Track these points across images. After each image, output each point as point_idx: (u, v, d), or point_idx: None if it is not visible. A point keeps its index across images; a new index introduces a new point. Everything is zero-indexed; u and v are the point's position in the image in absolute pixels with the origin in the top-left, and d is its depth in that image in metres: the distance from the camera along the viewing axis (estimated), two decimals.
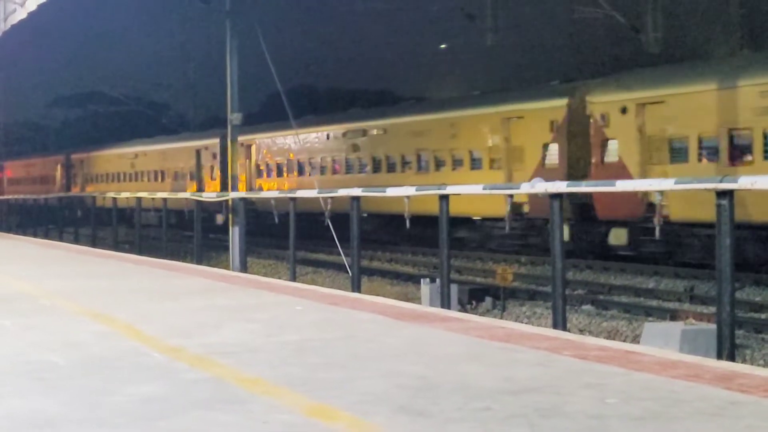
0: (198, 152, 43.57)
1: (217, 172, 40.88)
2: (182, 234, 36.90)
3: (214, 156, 41.30)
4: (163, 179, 46.88)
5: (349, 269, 14.21)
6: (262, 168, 39.77)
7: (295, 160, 37.94)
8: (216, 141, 41.25)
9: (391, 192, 13.69)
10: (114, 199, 27.47)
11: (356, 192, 13.62)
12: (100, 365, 6.38)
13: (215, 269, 16.89)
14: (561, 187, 9.33)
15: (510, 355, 6.59)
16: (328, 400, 5.17)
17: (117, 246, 25.56)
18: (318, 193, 16.15)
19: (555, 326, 9.04)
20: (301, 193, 16.22)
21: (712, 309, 13.55)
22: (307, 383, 5.64)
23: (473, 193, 12.07)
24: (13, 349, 7.12)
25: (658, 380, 5.62)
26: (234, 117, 24.64)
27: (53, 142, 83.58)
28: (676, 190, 8.74)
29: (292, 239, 15.27)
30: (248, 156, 39.60)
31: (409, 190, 12.82)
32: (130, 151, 52.03)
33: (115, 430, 4.60)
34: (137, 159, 50.52)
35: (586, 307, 19.21)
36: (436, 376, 5.80)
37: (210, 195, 23.22)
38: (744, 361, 13.54)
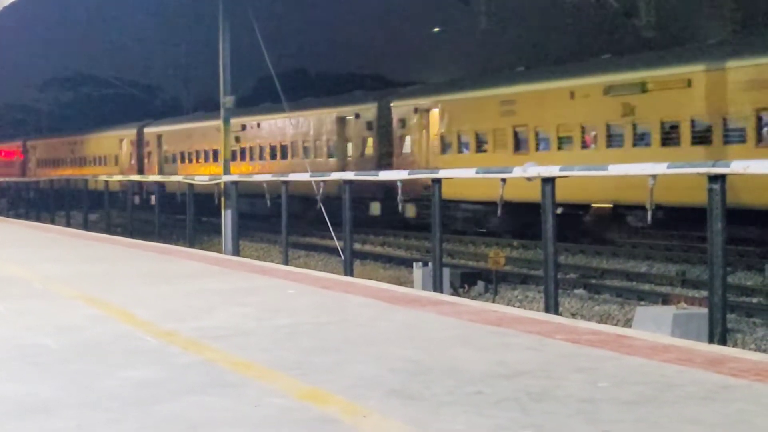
0: (342, 120, 35.75)
1: (370, 143, 34.12)
2: (175, 218, 36.84)
3: (369, 126, 33.97)
4: (286, 155, 38.46)
5: (341, 253, 14.23)
6: (449, 141, 30.38)
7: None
8: (371, 107, 34.14)
9: (384, 175, 13.70)
10: (106, 182, 27.43)
11: (348, 176, 13.62)
12: (94, 349, 6.39)
13: (208, 252, 16.88)
14: (553, 171, 9.34)
15: (502, 339, 6.61)
16: (321, 383, 5.18)
17: (110, 229, 25.56)
18: (310, 176, 16.15)
19: (547, 310, 9.07)
20: (293, 176, 16.20)
21: (704, 293, 13.59)
22: (300, 367, 5.65)
23: (465, 177, 12.08)
24: (6, 333, 7.12)
25: (650, 364, 5.64)
26: (227, 100, 24.58)
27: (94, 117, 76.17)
28: (669, 174, 8.75)
29: (284, 223, 15.27)
30: (426, 126, 31.36)
31: (402, 174, 12.83)
32: (234, 122, 45.32)
33: (108, 414, 4.61)
34: (244, 132, 42.11)
35: (579, 291, 19.24)
36: (429, 360, 5.81)
37: (202, 179, 23.16)
38: (735, 345, 13.58)
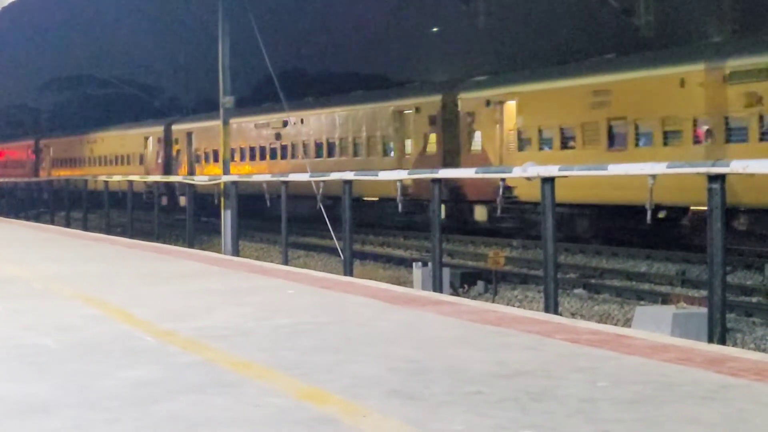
0: (400, 114, 32.41)
1: (432, 139, 30.84)
2: (174, 218, 36.85)
3: (432, 121, 30.79)
4: (333, 153, 35.37)
5: (341, 253, 14.22)
6: (527, 137, 27.62)
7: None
8: (434, 100, 31.06)
9: (384, 176, 13.71)
10: (105, 182, 27.43)
11: (348, 176, 13.62)
12: (93, 349, 6.38)
13: (207, 253, 16.88)
14: (553, 171, 9.34)
15: (502, 339, 6.61)
16: (321, 383, 5.18)
17: (109, 229, 25.55)
18: (310, 176, 16.14)
19: (547, 310, 9.07)
20: (293, 177, 16.20)
21: (704, 293, 13.58)
22: (300, 367, 5.65)
23: (465, 177, 12.08)
24: (5, 332, 7.11)
25: (650, 364, 5.64)
26: (226, 100, 24.58)
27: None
28: (668, 173, 8.74)
29: (284, 223, 15.27)
30: (499, 120, 28.39)
31: (402, 174, 12.83)
32: (275, 118, 39.04)
33: (107, 414, 4.61)
34: (285, 128, 38.21)
35: (578, 290, 19.24)
36: (428, 360, 5.81)
37: (202, 179, 23.15)
38: (735, 344, 13.58)
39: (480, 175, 11.61)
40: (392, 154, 32.28)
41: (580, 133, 25.30)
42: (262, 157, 39.62)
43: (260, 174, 31.80)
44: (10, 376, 5.57)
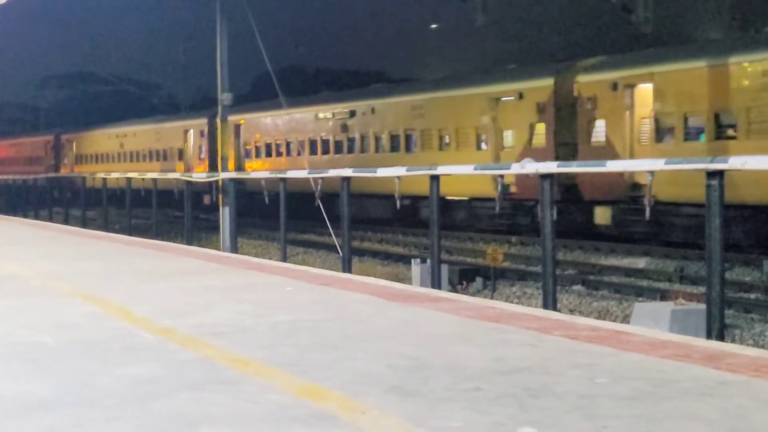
0: (496, 102, 28.35)
1: (540, 129, 26.79)
2: (173, 215, 36.77)
3: (540, 108, 26.76)
4: (412, 146, 31.77)
5: (339, 250, 14.22)
6: (668, 125, 23.68)
7: None
8: (544, 84, 26.98)
9: (382, 172, 13.70)
10: (104, 179, 27.43)
11: (347, 173, 13.62)
12: (92, 347, 6.39)
13: (206, 250, 16.88)
14: (551, 167, 9.34)
15: (500, 336, 6.61)
16: (319, 380, 5.18)
17: (107, 226, 25.54)
18: (308, 173, 16.14)
19: (545, 306, 9.07)
20: (291, 174, 16.20)
21: (702, 289, 13.59)
22: (298, 364, 5.65)
23: (464, 173, 12.08)
24: (3, 330, 7.11)
25: (648, 360, 5.64)
26: (224, 97, 24.58)
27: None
28: (666, 170, 8.75)
29: (283, 220, 15.27)
30: (629, 107, 24.49)
31: (400, 171, 12.82)
32: (339, 108, 35.48)
33: (106, 412, 4.61)
34: (354, 119, 34.38)
35: (577, 287, 19.25)
36: (427, 357, 5.81)
37: (200, 176, 23.16)
38: (733, 340, 13.59)
39: (479, 172, 11.59)
40: (487, 147, 28.29)
41: (744, 120, 21.18)
42: (325, 151, 35.55)
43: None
44: (9, 374, 5.58)
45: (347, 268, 12.90)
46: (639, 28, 30.67)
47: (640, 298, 17.32)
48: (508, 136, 27.89)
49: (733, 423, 4.25)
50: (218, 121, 25.03)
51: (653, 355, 5.76)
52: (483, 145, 28.53)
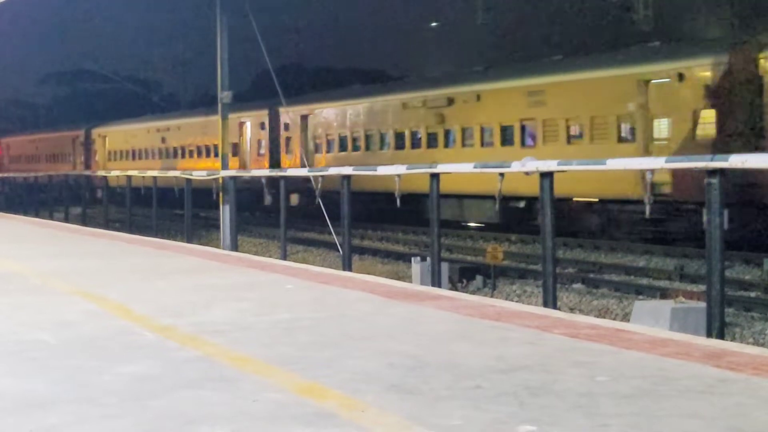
0: (645, 85, 23.79)
1: (707, 117, 22.42)
2: (173, 213, 36.61)
3: (709, 92, 22.32)
4: (530, 138, 27.19)
5: (340, 248, 14.21)
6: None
7: None
8: (712, 62, 22.50)
9: (382, 171, 13.69)
10: (105, 177, 27.43)
11: (347, 171, 13.61)
12: (91, 344, 6.38)
13: (206, 248, 16.88)
14: (551, 166, 9.33)
15: (500, 334, 6.61)
16: (319, 378, 5.18)
17: (108, 225, 25.53)
18: (308, 171, 16.14)
19: (545, 305, 9.06)
20: (291, 172, 16.19)
21: (702, 287, 13.59)
22: (298, 362, 5.65)
23: (464, 172, 12.06)
24: (3, 328, 7.11)
25: (648, 358, 5.64)
26: (224, 95, 24.57)
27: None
28: (667, 168, 8.74)
29: (283, 218, 15.26)
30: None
31: (400, 169, 12.81)
32: (433, 95, 30.60)
33: (106, 410, 4.60)
34: (452, 108, 29.65)
35: (577, 285, 19.25)
36: (427, 355, 5.81)
37: (200, 174, 23.15)
38: (733, 339, 13.59)
39: (478, 170, 11.57)
40: (632, 139, 23.90)
41: None
42: (415, 145, 30.82)
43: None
44: (9, 371, 5.57)
45: (347, 266, 12.89)
46: (638, 26, 30.67)
47: (640, 297, 17.32)
48: (662, 126, 23.23)
49: (733, 421, 4.24)
50: (219, 119, 24.97)
51: (653, 354, 5.76)
52: (627, 137, 24.07)
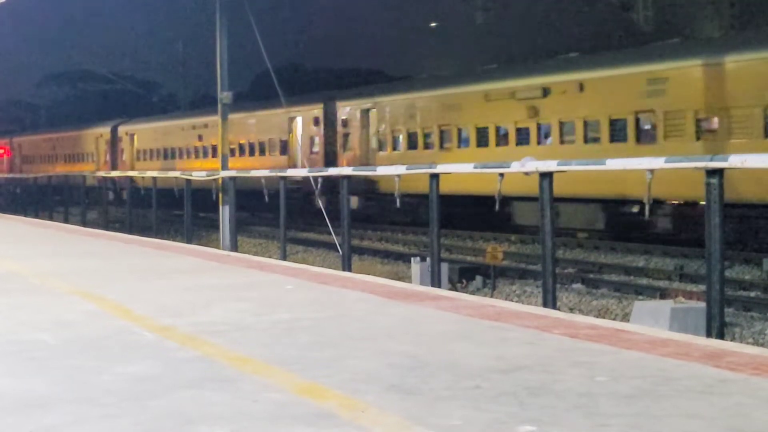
0: None
1: None
2: (172, 213, 36.51)
3: None
4: (651, 134, 23.22)
5: (339, 248, 14.21)
6: None
7: None
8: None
9: (382, 171, 13.70)
10: (104, 178, 27.42)
11: (347, 171, 13.62)
12: (91, 345, 6.38)
13: (205, 248, 16.88)
14: (551, 166, 9.33)
15: (500, 334, 6.61)
16: (319, 378, 5.18)
17: (107, 225, 25.52)
18: (308, 171, 16.14)
19: (545, 305, 9.06)
20: (291, 172, 16.19)
21: (702, 287, 13.59)
22: (298, 362, 5.65)
23: (463, 172, 12.06)
24: (3, 328, 7.11)
25: (648, 358, 5.64)
26: (224, 96, 24.56)
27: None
28: (666, 168, 8.73)
29: (283, 218, 15.26)
30: None
31: (400, 169, 12.82)
32: (523, 84, 26.84)
33: (105, 409, 4.60)
34: (546, 100, 25.81)
35: (576, 285, 19.25)
36: (427, 355, 5.81)
37: (200, 174, 23.15)
38: (733, 339, 13.59)
39: (478, 171, 11.56)
40: None
41: None
42: (502, 142, 27.19)
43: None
44: (9, 371, 5.57)
45: (347, 266, 12.89)
46: (638, 26, 30.67)
47: (640, 297, 17.32)
48: None
49: (733, 421, 4.24)
50: (219, 120, 24.96)
51: (653, 354, 5.76)
52: None
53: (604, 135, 24.09)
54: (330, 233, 19.80)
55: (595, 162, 12.61)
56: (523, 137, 26.46)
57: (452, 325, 7.08)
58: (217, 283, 10.09)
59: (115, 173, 30.82)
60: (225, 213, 22.19)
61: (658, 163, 8.86)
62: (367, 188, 30.36)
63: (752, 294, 17.34)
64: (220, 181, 22.24)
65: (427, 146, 29.88)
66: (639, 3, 31.48)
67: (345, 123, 33.64)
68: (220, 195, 22.80)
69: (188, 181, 20.66)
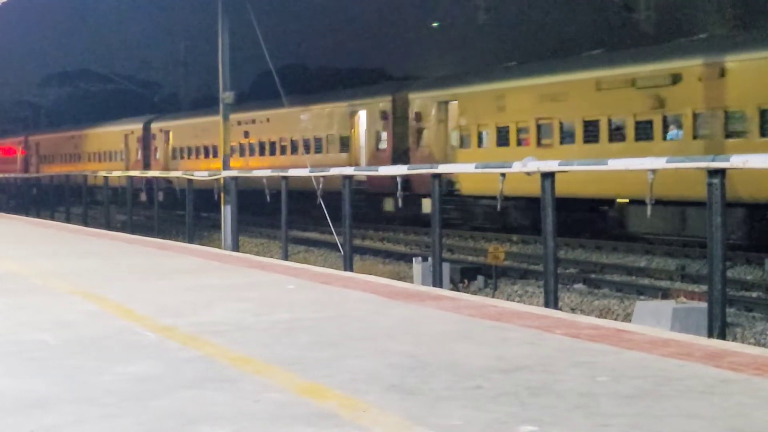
0: None
1: None
2: (174, 213, 36.42)
3: None
4: None
5: (341, 248, 14.21)
6: None
7: None
8: None
9: (384, 170, 13.70)
10: (105, 177, 27.41)
11: (348, 171, 13.61)
12: (92, 345, 6.38)
13: (207, 248, 16.88)
14: (552, 166, 9.32)
15: (501, 334, 6.60)
16: (320, 378, 5.17)
17: (109, 225, 25.53)
18: (310, 171, 16.13)
19: (547, 305, 9.05)
20: (293, 172, 16.18)
21: (703, 287, 13.58)
22: (299, 362, 5.64)
23: (464, 172, 12.04)
24: (4, 328, 7.11)
25: (649, 358, 5.63)
26: (226, 96, 24.56)
27: None
28: (668, 168, 8.72)
29: (284, 218, 15.25)
30: None
31: (402, 169, 12.81)
32: (648, 70, 23.37)
33: (106, 409, 4.60)
34: (676, 88, 22.39)
35: (578, 285, 19.24)
36: (428, 355, 5.80)
37: (202, 174, 23.14)
38: (735, 339, 13.59)
39: (480, 170, 11.55)
40: None
41: None
42: (615, 137, 23.97)
43: (261, 170, 27.33)
44: (9, 372, 5.57)
45: (348, 266, 12.88)
46: (640, 26, 30.64)
47: (642, 297, 17.32)
48: None
49: (734, 421, 4.23)
50: (221, 119, 24.95)
51: (654, 354, 5.75)
52: None
53: (753, 128, 20.83)
54: (332, 233, 19.79)
55: (597, 162, 12.59)
56: (643, 132, 23.21)
57: (453, 325, 7.08)
58: (219, 283, 10.09)
59: (116, 173, 30.23)
60: (227, 213, 22.19)
61: (659, 163, 8.85)
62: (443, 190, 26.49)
63: (754, 294, 17.34)
64: (222, 181, 22.24)
65: (520, 142, 26.72)
66: (641, 3, 31.46)
67: (419, 117, 30.48)
68: (222, 195, 22.81)
69: (190, 180, 20.65)
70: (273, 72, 23.76)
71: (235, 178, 20.17)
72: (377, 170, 14.05)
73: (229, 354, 5.94)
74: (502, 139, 27.22)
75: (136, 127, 49.42)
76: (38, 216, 31.54)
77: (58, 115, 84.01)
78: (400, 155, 30.52)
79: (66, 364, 5.72)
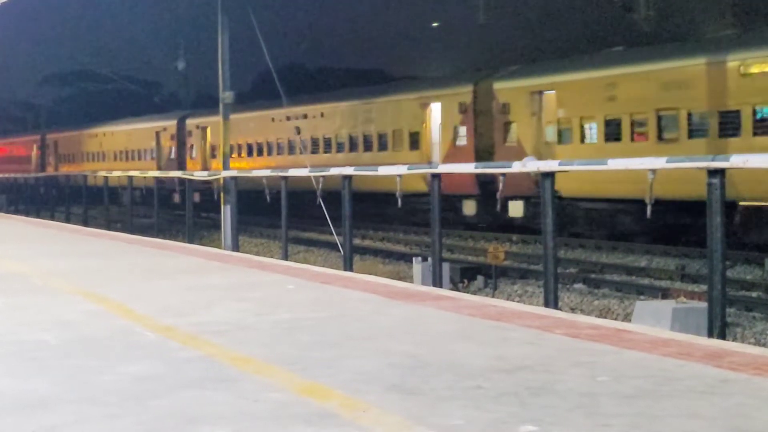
0: None
1: None
2: (174, 213, 36.35)
3: None
4: None
5: (341, 248, 14.21)
6: None
7: None
8: None
9: (383, 171, 13.70)
10: (105, 177, 27.43)
11: (348, 171, 13.61)
12: (93, 344, 6.38)
13: (207, 248, 16.88)
14: (552, 165, 9.33)
15: (501, 334, 6.61)
16: (320, 378, 5.18)
17: (109, 225, 25.54)
18: (309, 171, 16.14)
19: (546, 305, 9.06)
20: (293, 172, 16.19)
21: (704, 287, 13.58)
22: (299, 362, 5.65)
23: (462, 171, 12.05)
24: (4, 328, 7.11)
25: (649, 358, 5.63)
26: (226, 96, 24.55)
27: None
28: (668, 168, 8.73)
29: (284, 218, 15.26)
30: None
31: (401, 169, 12.82)
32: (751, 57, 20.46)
33: (107, 409, 4.60)
34: None
35: (578, 285, 19.24)
36: (428, 355, 5.81)
37: (201, 174, 23.15)
38: (735, 339, 13.59)
39: (479, 170, 11.55)
40: None
41: None
42: (760, 130, 20.36)
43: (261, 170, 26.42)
44: (10, 371, 5.57)
45: (348, 266, 12.88)
46: (640, 26, 30.62)
47: (642, 297, 17.32)
48: None
49: (734, 421, 4.24)
50: (221, 119, 24.94)
51: (654, 354, 5.75)
52: None
53: None
54: (332, 233, 19.79)
55: (597, 162, 12.60)
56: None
57: (453, 325, 7.08)
58: (219, 283, 10.09)
59: (117, 173, 30.26)
60: (227, 213, 22.20)
61: (659, 162, 8.85)
62: (532, 190, 22.13)
63: (754, 294, 17.34)
64: (221, 181, 22.24)
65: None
66: (641, 3, 31.44)
67: (505, 108, 27.03)
68: (222, 195, 22.81)
69: (189, 180, 20.67)
70: (272, 72, 23.75)
71: (235, 178, 20.18)
72: (377, 170, 14.04)
73: (229, 354, 5.94)
74: (612, 133, 23.85)
75: (169, 123, 46.23)
76: (38, 216, 31.53)
77: (58, 115, 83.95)
78: (482, 152, 27.55)
79: (67, 364, 5.72)
